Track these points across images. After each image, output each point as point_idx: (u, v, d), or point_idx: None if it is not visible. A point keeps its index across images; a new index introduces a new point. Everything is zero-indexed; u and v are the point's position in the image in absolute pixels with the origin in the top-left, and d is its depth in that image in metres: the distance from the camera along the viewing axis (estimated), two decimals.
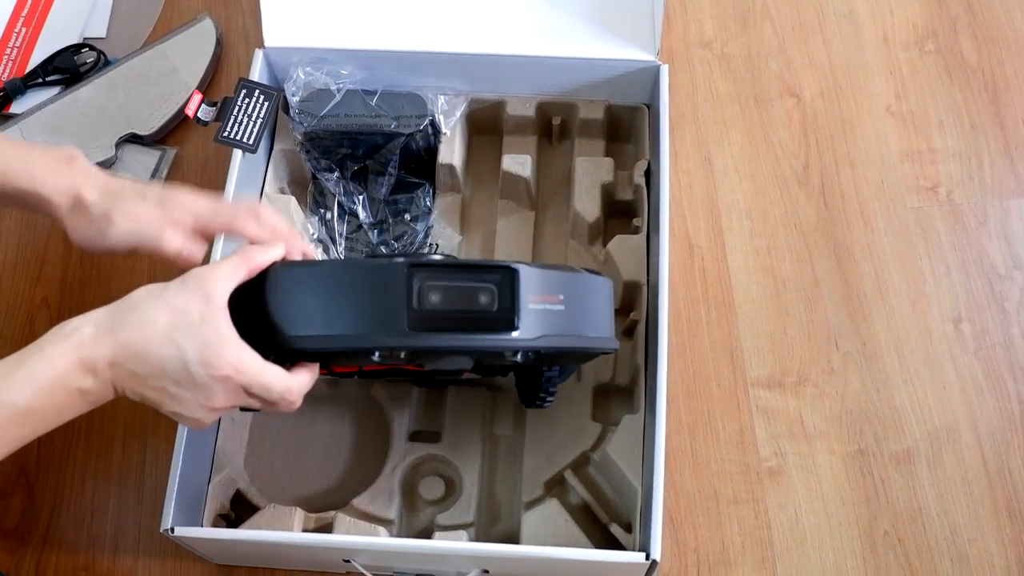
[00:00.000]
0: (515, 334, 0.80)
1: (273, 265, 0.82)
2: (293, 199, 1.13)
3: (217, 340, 0.76)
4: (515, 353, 0.83)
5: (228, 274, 0.79)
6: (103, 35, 1.35)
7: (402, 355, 0.81)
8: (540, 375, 0.95)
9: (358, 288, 0.80)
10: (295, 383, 0.80)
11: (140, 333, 0.75)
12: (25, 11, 1.36)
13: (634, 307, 1.09)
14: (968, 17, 1.33)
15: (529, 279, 0.82)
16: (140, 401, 0.78)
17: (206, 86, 1.29)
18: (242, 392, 0.78)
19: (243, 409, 0.89)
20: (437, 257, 0.87)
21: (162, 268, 1.15)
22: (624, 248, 1.09)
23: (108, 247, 0.88)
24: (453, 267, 0.82)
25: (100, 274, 1.18)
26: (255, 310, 0.80)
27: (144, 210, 0.87)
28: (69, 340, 0.75)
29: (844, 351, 1.13)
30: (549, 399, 0.97)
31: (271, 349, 0.80)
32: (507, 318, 0.81)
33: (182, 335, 0.75)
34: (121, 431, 1.10)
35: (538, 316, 0.82)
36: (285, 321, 0.80)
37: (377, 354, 0.80)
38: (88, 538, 1.06)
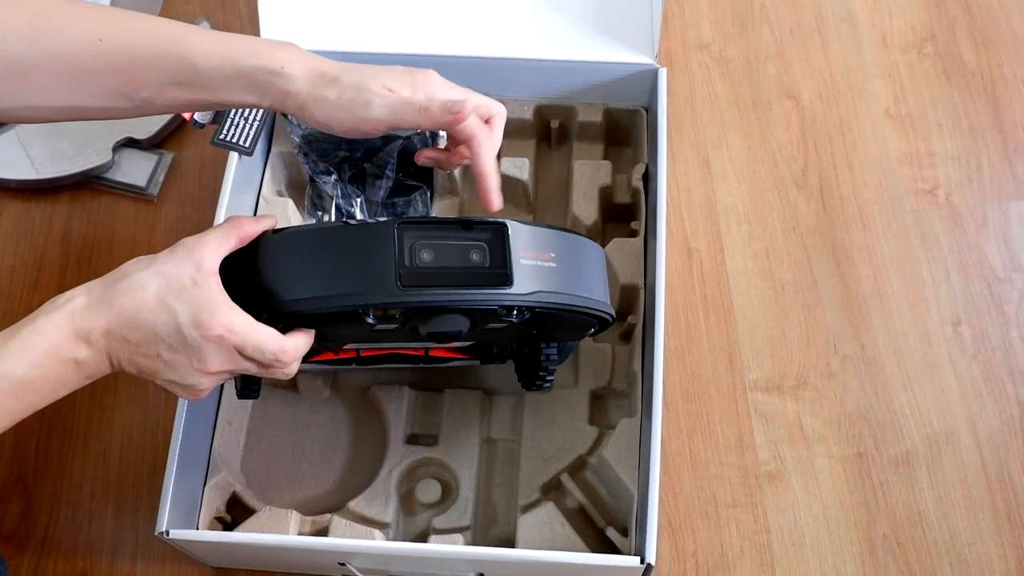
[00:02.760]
0: (509, 289, 0.80)
1: (264, 233, 0.82)
2: (291, 202, 1.13)
3: (209, 301, 0.76)
4: (510, 311, 0.82)
5: (218, 241, 0.79)
6: None
7: (396, 316, 0.80)
8: (538, 354, 0.95)
9: (349, 249, 0.79)
10: (289, 344, 0.80)
11: (132, 299, 0.75)
12: None
13: (632, 311, 1.08)
14: (967, 19, 1.33)
15: (519, 235, 0.82)
16: (136, 373, 0.78)
17: None
18: (236, 354, 0.78)
19: (241, 396, 0.89)
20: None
21: None
22: (622, 251, 1.09)
23: (367, 118, 0.84)
24: (443, 224, 0.82)
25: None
26: (248, 278, 0.80)
27: (397, 79, 0.85)
28: (61, 311, 0.75)
29: (843, 354, 1.12)
30: (549, 378, 0.96)
31: (266, 314, 0.79)
32: (500, 273, 0.80)
33: (174, 299, 0.75)
34: (119, 436, 1.10)
35: (531, 271, 0.81)
36: (278, 286, 0.80)
37: (372, 316, 0.79)
38: (86, 543, 1.05)
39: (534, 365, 0.96)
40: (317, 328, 0.83)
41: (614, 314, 0.92)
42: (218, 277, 0.77)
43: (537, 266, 0.82)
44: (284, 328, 0.81)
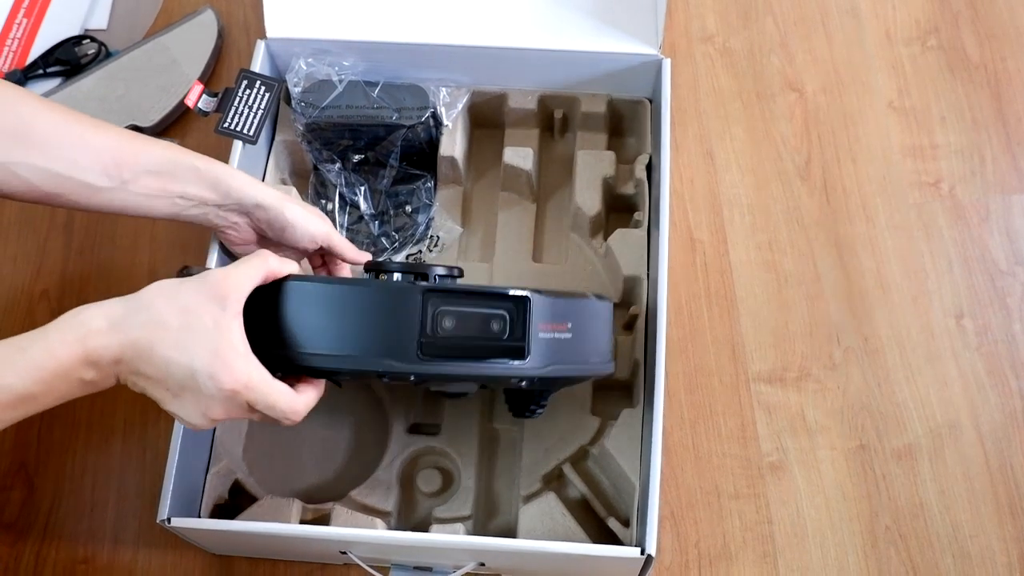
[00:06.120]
0: (524, 363, 0.81)
1: (288, 276, 0.81)
2: (294, 190, 1.13)
3: (228, 352, 0.75)
4: (522, 380, 0.83)
5: (247, 279, 0.78)
6: (104, 27, 1.35)
7: (411, 378, 0.81)
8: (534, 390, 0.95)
9: (372, 310, 0.80)
10: (300, 403, 0.80)
11: (150, 334, 0.74)
12: (26, 2, 1.35)
13: (634, 301, 1.08)
14: (970, 13, 1.33)
15: (541, 308, 0.82)
16: (140, 393, 0.78)
17: (207, 78, 1.28)
18: (245, 406, 0.77)
19: None
20: (452, 280, 0.88)
21: (162, 262, 1.16)
22: (625, 242, 1.09)
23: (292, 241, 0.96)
24: (469, 293, 0.82)
25: (100, 268, 1.18)
26: (266, 319, 0.80)
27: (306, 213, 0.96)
28: (76, 332, 0.74)
29: (846, 346, 1.12)
30: (539, 411, 0.97)
31: (278, 361, 0.79)
32: (517, 347, 0.81)
33: (193, 341, 0.74)
34: (121, 424, 1.10)
35: (547, 345, 0.83)
36: (296, 336, 0.79)
37: (386, 376, 0.80)
38: (88, 531, 1.05)
39: (527, 399, 0.96)
40: (329, 377, 0.84)
41: (613, 370, 0.95)
42: (240, 319, 0.76)
43: (553, 339, 0.83)
44: (294, 375, 0.81)
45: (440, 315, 0.79)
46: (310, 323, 0.80)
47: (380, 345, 0.79)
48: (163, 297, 0.76)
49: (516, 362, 0.81)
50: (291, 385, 0.80)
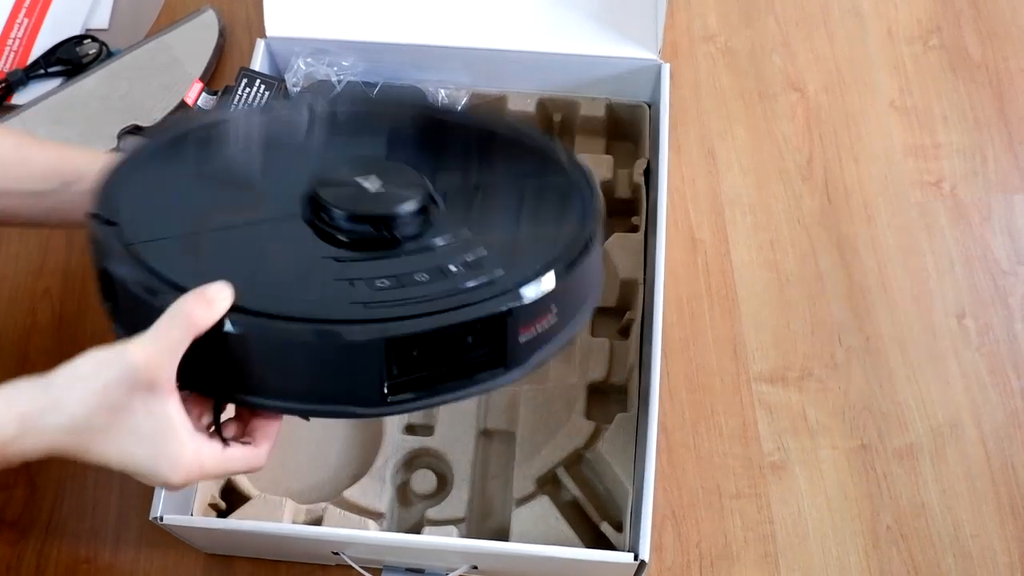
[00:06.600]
0: (505, 375, 0.74)
1: (222, 323, 0.69)
2: None
3: (169, 445, 0.67)
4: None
5: (173, 352, 0.67)
6: (105, 26, 1.35)
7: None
8: None
9: (326, 364, 0.71)
10: (260, 456, 0.75)
11: (76, 439, 0.67)
12: (27, 2, 1.36)
13: (631, 306, 1.08)
14: (973, 12, 1.33)
15: (522, 315, 0.72)
16: None
17: (209, 77, 1.28)
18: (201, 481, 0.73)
19: None
20: (421, 226, 0.78)
21: None
22: (622, 246, 1.09)
23: None
24: (436, 331, 0.70)
25: None
26: (207, 366, 0.70)
27: None
28: None
29: (847, 346, 1.12)
30: None
31: (226, 398, 0.74)
32: (497, 359, 0.73)
33: (127, 442, 0.67)
34: None
35: (530, 343, 0.74)
36: (243, 383, 0.72)
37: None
38: (90, 530, 1.05)
39: None
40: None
41: (600, 297, 0.86)
42: (176, 395, 0.68)
43: (537, 334, 0.74)
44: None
45: (405, 354, 0.70)
46: (256, 372, 0.71)
47: (340, 394, 0.72)
48: (81, 393, 0.66)
49: (494, 378, 0.73)
50: (245, 419, 0.76)
